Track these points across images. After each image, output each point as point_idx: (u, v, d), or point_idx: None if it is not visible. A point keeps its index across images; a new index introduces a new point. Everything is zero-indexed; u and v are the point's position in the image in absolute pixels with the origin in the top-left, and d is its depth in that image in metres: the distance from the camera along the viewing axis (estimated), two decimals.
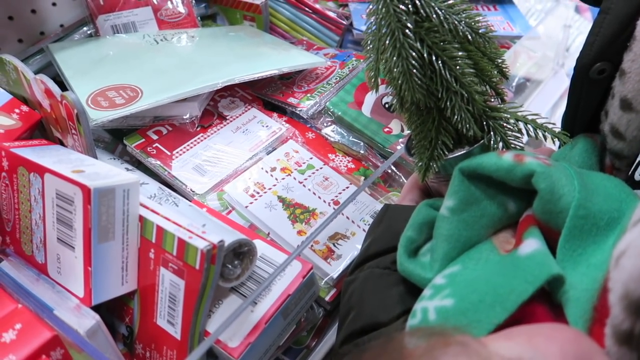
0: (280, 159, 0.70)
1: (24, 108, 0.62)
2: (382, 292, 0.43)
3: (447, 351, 0.25)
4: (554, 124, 0.45)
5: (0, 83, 0.67)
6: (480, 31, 0.42)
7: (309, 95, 0.78)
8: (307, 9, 0.95)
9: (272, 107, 0.81)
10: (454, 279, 0.37)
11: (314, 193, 0.67)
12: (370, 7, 0.42)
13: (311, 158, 0.71)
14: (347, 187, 0.68)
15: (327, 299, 0.58)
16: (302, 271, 0.53)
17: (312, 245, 0.61)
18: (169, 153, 0.70)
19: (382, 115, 0.75)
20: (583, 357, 0.26)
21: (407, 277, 0.41)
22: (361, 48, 0.87)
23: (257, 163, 0.70)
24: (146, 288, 0.50)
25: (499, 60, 0.45)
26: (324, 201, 0.66)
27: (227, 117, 0.76)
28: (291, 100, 0.78)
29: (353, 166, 0.73)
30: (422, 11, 0.40)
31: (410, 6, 0.40)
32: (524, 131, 0.45)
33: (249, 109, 0.78)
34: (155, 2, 0.87)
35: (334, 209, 0.65)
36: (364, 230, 0.64)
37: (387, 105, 0.76)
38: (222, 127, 0.74)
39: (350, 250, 0.61)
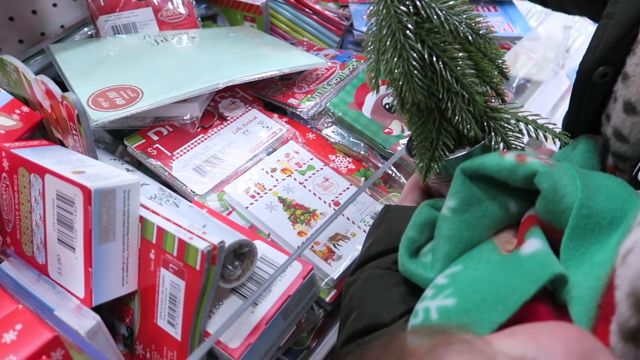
0: (280, 160, 0.70)
1: (25, 109, 0.62)
2: (383, 292, 0.43)
3: (450, 349, 0.25)
4: (554, 124, 0.45)
5: (1, 84, 0.67)
6: (480, 32, 0.42)
7: (309, 96, 0.78)
8: (307, 9, 0.96)
9: (273, 108, 0.81)
10: (455, 278, 0.37)
11: (315, 194, 0.67)
12: (371, 8, 0.42)
13: (311, 159, 0.71)
14: (348, 188, 0.68)
15: (327, 299, 0.58)
16: (303, 272, 0.53)
17: (312, 246, 0.60)
18: (169, 154, 0.70)
19: (383, 116, 0.75)
20: (587, 355, 0.26)
21: (409, 278, 0.41)
22: (361, 49, 0.87)
23: (257, 164, 0.70)
24: (146, 289, 0.50)
25: (500, 61, 0.45)
26: (325, 202, 0.66)
27: (228, 118, 0.76)
28: (291, 101, 0.78)
29: (353, 167, 0.73)
30: (422, 12, 0.40)
31: (411, 7, 0.40)
32: (524, 132, 0.46)
33: (249, 110, 0.78)
34: (156, 3, 0.87)
35: (334, 209, 0.65)
36: (364, 231, 0.64)
37: (387, 106, 0.76)
38: (222, 128, 0.74)
39: (351, 251, 0.61)
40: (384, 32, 0.41)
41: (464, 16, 0.41)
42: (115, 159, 0.69)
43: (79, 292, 0.49)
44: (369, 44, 0.43)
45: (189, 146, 0.71)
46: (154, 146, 0.70)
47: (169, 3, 0.88)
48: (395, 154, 0.65)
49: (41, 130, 0.65)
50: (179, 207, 0.61)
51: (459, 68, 0.41)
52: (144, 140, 0.71)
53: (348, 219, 0.64)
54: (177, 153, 0.70)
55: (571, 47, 1.07)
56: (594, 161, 0.45)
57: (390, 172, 0.72)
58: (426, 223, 0.43)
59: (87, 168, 0.50)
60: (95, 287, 0.48)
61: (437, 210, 0.43)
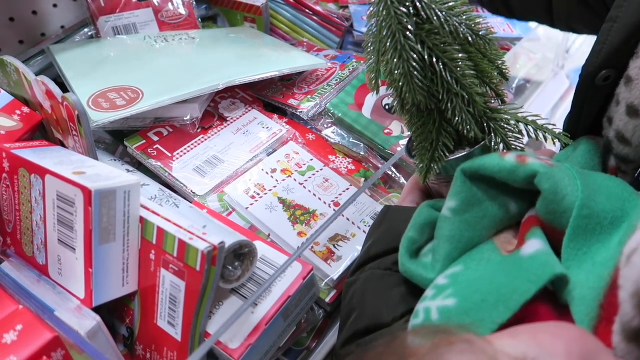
0: (280, 161, 0.70)
1: (25, 109, 0.62)
2: (383, 293, 0.43)
3: (452, 349, 0.25)
4: (554, 125, 0.45)
5: (2, 84, 0.67)
6: (480, 33, 0.42)
7: (309, 96, 0.78)
8: (307, 10, 0.96)
9: (273, 109, 0.81)
10: (456, 279, 0.37)
11: (315, 194, 0.67)
12: (371, 9, 0.42)
13: (311, 159, 0.71)
14: (348, 189, 0.68)
15: (327, 300, 0.58)
16: (303, 273, 0.53)
17: (312, 247, 0.61)
18: (169, 154, 0.70)
19: (383, 117, 0.75)
20: (588, 355, 0.26)
21: (409, 278, 0.41)
22: (361, 50, 0.87)
23: (257, 164, 0.70)
24: (147, 289, 0.50)
25: (500, 62, 0.45)
26: (325, 203, 0.66)
27: (228, 119, 0.76)
28: (292, 101, 0.78)
29: (353, 168, 0.73)
30: (422, 13, 0.40)
31: (411, 8, 0.40)
32: (524, 132, 0.46)
33: (249, 111, 0.78)
34: (156, 4, 0.87)
35: (334, 210, 0.65)
36: (364, 231, 0.64)
37: (387, 107, 0.76)
38: (222, 129, 0.74)
39: (351, 251, 0.61)
40: (384, 33, 0.41)
41: (464, 17, 0.41)
42: (115, 160, 0.69)
43: (79, 293, 0.49)
44: (369, 45, 0.43)
45: (189, 147, 0.71)
46: (154, 147, 0.70)
47: (170, 4, 0.88)
48: (395, 155, 0.65)
49: (42, 131, 0.65)
50: (179, 208, 0.61)
51: (459, 69, 0.41)
52: (144, 141, 0.71)
53: (348, 219, 0.65)
54: (178, 154, 0.70)
55: (571, 48, 1.08)
56: (595, 162, 0.45)
57: (390, 172, 0.72)
58: (426, 224, 0.43)
59: (88, 169, 0.50)
60: (95, 288, 0.48)
61: (437, 210, 0.43)
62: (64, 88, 0.68)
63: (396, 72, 0.41)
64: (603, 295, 0.30)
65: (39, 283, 0.51)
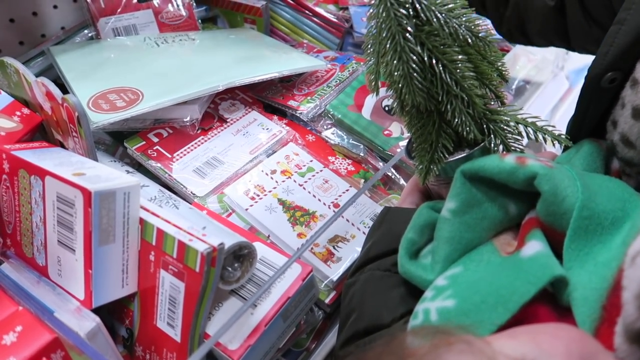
0: (280, 162, 0.70)
1: (25, 110, 0.62)
2: (383, 294, 0.43)
3: (451, 349, 0.25)
4: (553, 126, 0.45)
5: (2, 85, 0.67)
6: (480, 35, 0.42)
7: (309, 98, 0.78)
8: (307, 11, 0.96)
9: (273, 110, 0.81)
10: (455, 280, 0.37)
11: (314, 196, 0.67)
12: (371, 10, 0.42)
13: (311, 161, 0.71)
14: (347, 190, 0.68)
15: (327, 301, 0.59)
16: (302, 274, 0.53)
17: (312, 248, 0.61)
18: (169, 155, 0.70)
19: (382, 118, 0.75)
20: (588, 356, 0.26)
21: (409, 279, 0.41)
22: (361, 51, 0.87)
23: (257, 166, 0.70)
24: (146, 290, 0.50)
25: (499, 63, 0.46)
26: (324, 204, 0.66)
27: (228, 120, 0.76)
28: (291, 103, 0.78)
29: (353, 169, 0.73)
30: (422, 15, 0.40)
31: (410, 10, 0.40)
32: (524, 134, 0.46)
33: (249, 112, 0.78)
34: (156, 5, 0.87)
35: (334, 211, 0.65)
36: (363, 232, 0.64)
37: (387, 108, 0.76)
38: (222, 130, 0.75)
39: (350, 252, 0.61)
40: (384, 34, 0.41)
41: (464, 19, 0.41)
42: (115, 161, 0.69)
43: (79, 294, 0.49)
44: (369, 46, 0.43)
45: (189, 148, 0.71)
46: (154, 148, 0.70)
47: (170, 5, 0.88)
48: (395, 156, 0.65)
49: (41, 132, 0.65)
50: (178, 209, 0.61)
51: (458, 71, 0.41)
52: (144, 142, 0.71)
53: (347, 220, 0.65)
54: (177, 155, 0.70)
55: None
56: (597, 164, 0.45)
57: (389, 174, 0.72)
58: (426, 225, 0.43)
59: (87, 170, 0.50)
60: (95, 289, 0.48)
61: (436, 212, 0.43)
62: (64, 89, 0.68)
63: (396, 73, 0.41)
64: (605, 297, 0.30)
65: (39, 284, 0.51)
